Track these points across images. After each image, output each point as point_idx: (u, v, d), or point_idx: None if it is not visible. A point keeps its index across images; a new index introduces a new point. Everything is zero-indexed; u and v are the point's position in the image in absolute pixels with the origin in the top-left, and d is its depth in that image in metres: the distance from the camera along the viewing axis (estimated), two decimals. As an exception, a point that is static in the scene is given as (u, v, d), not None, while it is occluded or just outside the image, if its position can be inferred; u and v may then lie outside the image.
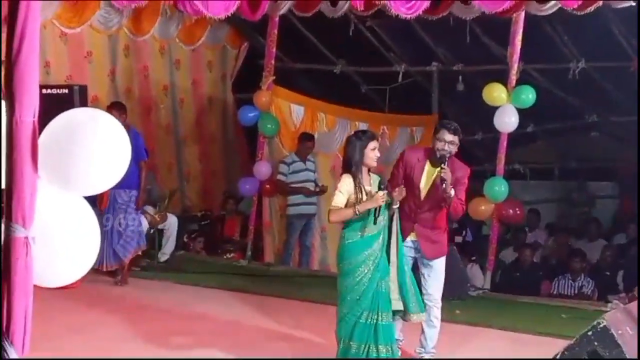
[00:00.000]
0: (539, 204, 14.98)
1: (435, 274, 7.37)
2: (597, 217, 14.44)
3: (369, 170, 6.60)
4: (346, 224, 6.51)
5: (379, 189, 6.49)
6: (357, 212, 6.37)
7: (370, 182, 6.57)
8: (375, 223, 6.43)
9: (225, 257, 12.88)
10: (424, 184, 7.12)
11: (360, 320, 6.45)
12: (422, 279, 7.31)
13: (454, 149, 7.06)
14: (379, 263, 6.47)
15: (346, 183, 6.48)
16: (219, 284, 10.60)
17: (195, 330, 8.14)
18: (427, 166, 7.12)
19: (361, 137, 6.60)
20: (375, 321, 6.47)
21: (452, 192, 6.90)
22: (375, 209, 6.39)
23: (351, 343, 6.48)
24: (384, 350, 6.49)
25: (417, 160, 7.14)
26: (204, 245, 13.15)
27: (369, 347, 6.46)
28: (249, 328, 8.36)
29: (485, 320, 9.22)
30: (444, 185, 6.84)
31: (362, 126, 13.60)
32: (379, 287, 6.49)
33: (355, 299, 6.42)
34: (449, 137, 6.99)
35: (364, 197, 6.42)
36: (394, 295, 6.61)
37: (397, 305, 6.63)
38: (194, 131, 14.81)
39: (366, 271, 6.43)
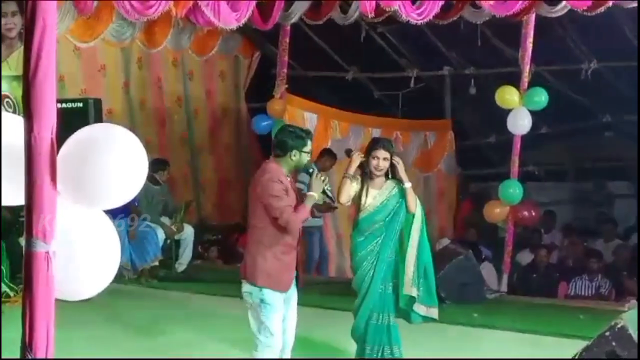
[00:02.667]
0: (555, 205, 14.96)
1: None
2: (613, 218, 14.41)
3: (387, 176, 6.67)
4: (354, 226, 6.62)
5: (400, 194, 6.62)
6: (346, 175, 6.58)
7: (382, 187, 6.64)
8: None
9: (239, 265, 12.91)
10: None
11: (372, 322, 6.54)
12: None
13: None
14: (379, 260, 6.56)
15: (355, 182, 6.67)
16: (237, 293, 10.62)
17: (214, 339, 8.16)
18: None
19: (370, 145, 6.74)
20: (387, 322, 6.56)
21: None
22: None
23: (365, 345, 6.56)
24: (397, 351, 6.57)
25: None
26: (219, 254, 13.19)
27: (383, 348, 6.55)
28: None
29: (503, 323, 9.23)
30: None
31: (376, 132, 13.66)
32: (386, 287, 6.58)
33: (362, 296, 6.57)
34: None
35: (367, 201, 6.58)
36: (408, 279, 6.66)
37: (411, 290, 6.67)
38: (209, 141, 14.88)
39: (368, 267, 6.58)
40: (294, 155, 5.91)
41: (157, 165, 11.78)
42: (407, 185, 6.66)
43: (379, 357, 6.54)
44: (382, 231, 6.61)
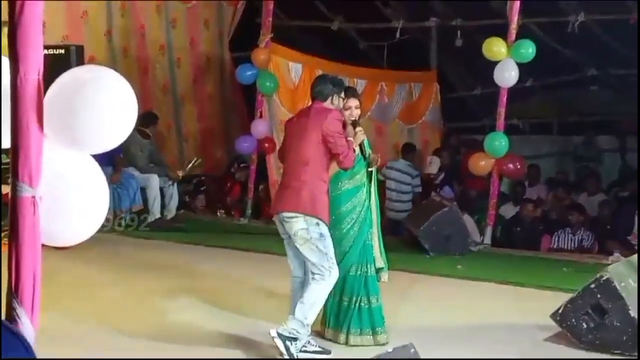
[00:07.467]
0: (539, 159, 14.96)
1: None
2: (597, 171, 14.43)
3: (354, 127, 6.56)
4: (334, 179, 6.49)
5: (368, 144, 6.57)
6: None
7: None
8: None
9: (221, 214, 12.98)
10: None
11: (350, 274, 6.47)
12: None
13: None
14: (365, 216, 6.49)
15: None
16: (219, 243, 10.63)
17: (196, 288, 8.14)
18: None
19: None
20: (365, 273, 6.50)
21: None
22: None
23: (343, 297, 6.51)
24: (374, 301, 6.54)
25: None
26: (207, 204, 13.18)
27: (360, 299, 6.49)
28: (249, 286, 8.37)
29: (487, 275, 9.25)
30: None
31: (361, 83, 13.58)
32: (367, 240, 6.52)
33: (343, 252, 6.43)
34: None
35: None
36: (377, 253, 6.63)
37: (380, 262, 6.66)
38: (192, 90, 14.75)
39: (352, 223, 6.45)
40: (334, 100, 6.33)
41: (148, 118, 11.83)
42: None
43: (356, 307, 6.50)
44: (364, 183, 6.55)
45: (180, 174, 12.11)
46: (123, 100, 3.35)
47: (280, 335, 5.96)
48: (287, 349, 5.92)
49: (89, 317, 6.98)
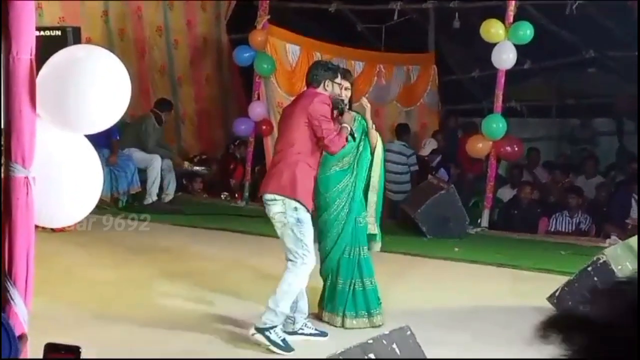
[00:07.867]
0: (537, 142, 14.93)
1: None
2: (594, 154, 14.40)
3: (349, 107, 6.52)
4: (323, 161, 6.45)
5: (362, 126, 6.51)
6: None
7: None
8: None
9: (225, 197, 12.96)
10: None
11: (344, 256, 6.48)
12: None
13: None
14: (354, 197, 6.47)
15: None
16: (216, 225, 10.61)
17: (192, 271, 8.14)
18: None
19: None
20: (358, 255, 6.50)
21: None
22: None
23: (338, 280, 6.52)
24: (369, 283, 6.55)
25: None
26: (203, 186, 13.16)
27: (354, 282, 6.51)
28: (246, 268, 8.37)
29: (484, 258, 9.25)
30: None
31: (358, 65, 13.53)
32: (358, 222, 6.50)
33: (336, 234, 6.43)
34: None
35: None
36: (371, 219, 6.61)
37: (373, 228, 6.64)
38: (189, 72, 14.71)
39: (342, 205, 6.44)
40: (327, 86, 6.31)
41: (163, 105, 11.90)
42: (371, 124, 6.56)
43: (351, 290, 6.51)
44: (353, 165, 6.50)
45: (185, 165, 12.30)
46: (116, 79, 3.31)
47: (258, 329, 5.98)
48: (268, 338, 5.96)
49: (84, 301, 6.96)
